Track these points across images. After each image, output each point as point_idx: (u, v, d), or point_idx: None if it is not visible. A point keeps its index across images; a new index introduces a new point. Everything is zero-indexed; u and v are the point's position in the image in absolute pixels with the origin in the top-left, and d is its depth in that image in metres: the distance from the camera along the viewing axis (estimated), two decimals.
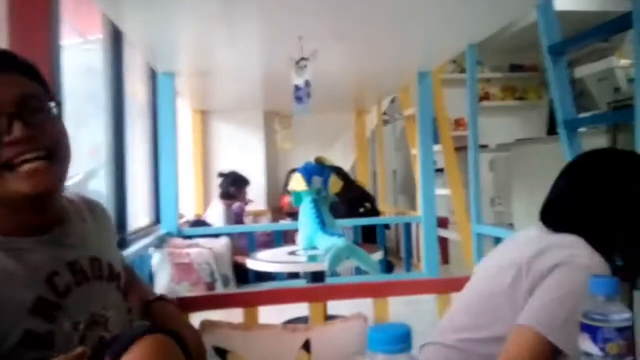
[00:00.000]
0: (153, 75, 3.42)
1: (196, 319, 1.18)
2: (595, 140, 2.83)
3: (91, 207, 0.93)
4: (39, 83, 0.78)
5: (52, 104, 0.77)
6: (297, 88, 2.16)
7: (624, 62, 3.32)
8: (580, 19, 3.54)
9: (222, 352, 1.13)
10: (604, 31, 1.94)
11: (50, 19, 1.24)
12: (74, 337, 0.74)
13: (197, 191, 4.68)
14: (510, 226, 3.65)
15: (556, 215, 1.05)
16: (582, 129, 2.47)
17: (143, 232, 3.03)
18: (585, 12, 3.78)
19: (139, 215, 3.23)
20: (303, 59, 2.16)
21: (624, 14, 1.68)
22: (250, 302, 1.29)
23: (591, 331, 0.62)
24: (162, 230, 3.03)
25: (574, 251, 0.92)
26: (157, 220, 3.53)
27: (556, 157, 2.45)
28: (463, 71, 4.46)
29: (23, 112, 0.72)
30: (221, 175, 3.96)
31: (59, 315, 0.73)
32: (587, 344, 0.63)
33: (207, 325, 1.16)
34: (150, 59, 2.92)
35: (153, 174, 3.54)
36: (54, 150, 0.75)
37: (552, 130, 4.16)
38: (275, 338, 1.16)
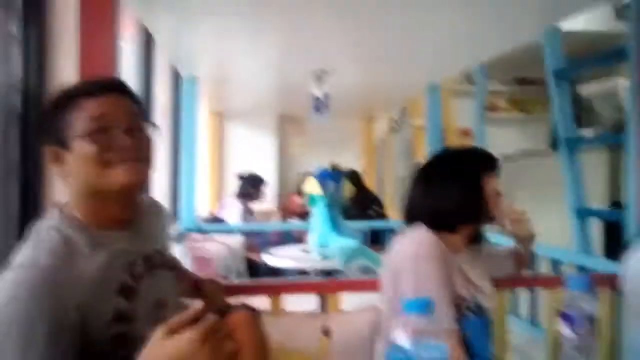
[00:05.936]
0: (175, 78, 3.59)
1: None
2: (596, 157, 2.98)
3: (154, 205, 1.12)
4: (140, 107, 0.98)
5: (150, 124, 0.98)
6: (316, 99, 2.32)
7: (628, 82, 3.45)
8: (588, 39, 3.65)
9: None
10: (603, 60, 2.10)
11: (113, 25, 1.39)
12: (145, 315, 0.91)
13: (211, 189, 4.85)
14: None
15: (406, 212, 1.32)
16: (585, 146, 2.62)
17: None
18: (593, 32, 3.89)
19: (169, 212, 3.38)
20: (323, 71, 2.32)
21: (619, 48, 1.84)
22: (274, 291, 1.46)
23: (567, 318, 0.79)
24: (181, 225, 3.20)
25: (413, 242, 1.18)
26: (174, 216, 3.70)
27: (558, 170, 2.61)
28: (471, 82, 4.60)
29: (132, 127, 0.92)
30: (240, 177, 4.14)
31: (135, 297, 0.90)
32: (563, 329, 0.79)
33: None
34: (176, 62, 3.09)
35: (172, 172, 3.71)
36: (147, 158, 0.95)
37: (555, 143, 4.30)
38: (298, 323, 1.32)
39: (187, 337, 0.70)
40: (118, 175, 0.89)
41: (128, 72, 2.80)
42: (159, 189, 3.49)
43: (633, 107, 1.76)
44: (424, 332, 0.58)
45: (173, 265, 1.05)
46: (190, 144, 3.18)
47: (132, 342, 0.87)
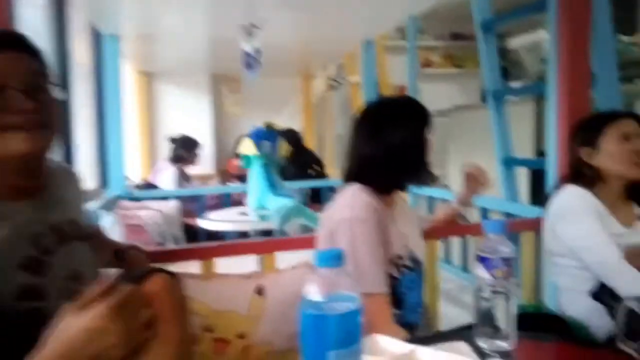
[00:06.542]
0: (96, 37, 3.34)
1: None
2: (524, 109, 3.10)
3: (68, 173, 1.04)
4: (43, 66, 0.88)
5: (53, 86, 0.88)
6: (247, 54, 2.23)
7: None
8: None
9: None
10: (525, 11, 2.14)
11: None
12: (58, 290, 0.85)
13: (142, 154, 4.65)
14: (446, 187, 3.93)
15: (348, 170, 1.28)
16: (513, 98, 2.70)
17: (89, 195, 3.04)
18: None
19: (83, 178, 3.21)
20: (253, 25, 2.22)
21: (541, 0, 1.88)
22: (206, 255, 1.42)
23: (484, 261, 0.81)
24: (110, 192, 3.05)
25: (349, 204, 1.15)
26: (102, 184, 3.53)
27: (488, 123, 2.69)
28: (405, 38, 4.62)
29: (29, 87, 0.82)
30: (172, 140, 3.97)
31: (45, 271, 0.84)
32: (480, 271, 0.81)
33: None
34: (94, 19, 2.86)
35: (98, 137, 3.50)
36: (48, 123, 0.86)
37: (485, 96, 4.44)
38: (231, 285, 1.30)
39: (98, 311, 0.66)
40: (16, 143, 0.81)
41: (39, 31, 2.57)
42: (85, 155, 3.29)
43: (553, 58, 1.82)
44: (336, 285, 0.57)
45: (90, 235, 0.99)
46: (115, 107, 3.00)
47: (45, 319, 0.81)
